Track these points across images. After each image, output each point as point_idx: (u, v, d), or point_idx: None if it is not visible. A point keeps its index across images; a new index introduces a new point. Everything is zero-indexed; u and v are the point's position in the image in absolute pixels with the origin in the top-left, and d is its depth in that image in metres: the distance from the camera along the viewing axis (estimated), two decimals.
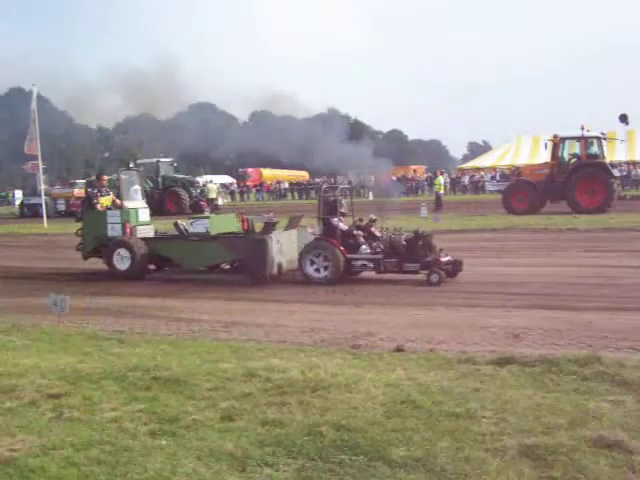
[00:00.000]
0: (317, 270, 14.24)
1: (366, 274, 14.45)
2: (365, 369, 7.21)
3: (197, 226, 15.86)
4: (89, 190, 18.75)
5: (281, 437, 5.31)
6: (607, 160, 32.37)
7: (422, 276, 13.68)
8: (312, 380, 6.71)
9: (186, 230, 16.13)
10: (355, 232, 14.63)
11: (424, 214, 29.90)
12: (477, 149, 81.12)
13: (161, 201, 41.28)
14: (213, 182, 52.20)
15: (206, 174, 67.47)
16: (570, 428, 5.28)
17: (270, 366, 7.22)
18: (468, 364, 7.32)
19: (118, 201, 16.99)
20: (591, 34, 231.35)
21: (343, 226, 14.76)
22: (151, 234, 16.76)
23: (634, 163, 52.48)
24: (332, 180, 49.00)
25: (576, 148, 31.67)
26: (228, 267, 15.80)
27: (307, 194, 62.90)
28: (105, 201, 16.92)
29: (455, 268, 13.88)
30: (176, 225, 16.62)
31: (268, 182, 72.20)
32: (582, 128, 30.99)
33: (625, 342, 8.36)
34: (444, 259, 13.83)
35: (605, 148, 32.33)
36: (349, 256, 14.21)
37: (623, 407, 5.77)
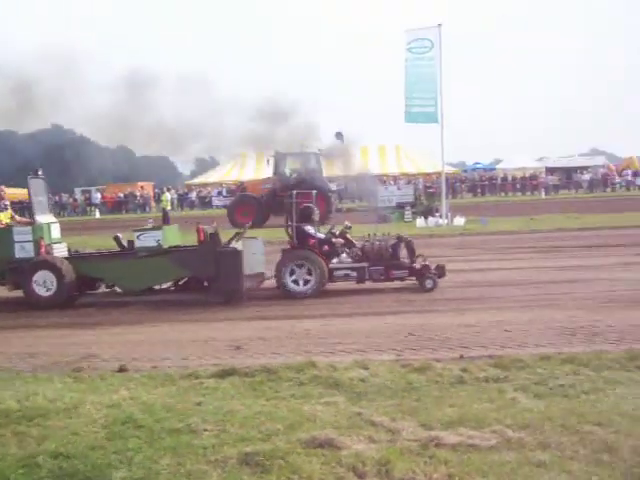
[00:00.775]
0: (295, 282, 13.10)
1: None
2: (86, 392, 6.97)
3: (146, 239, 13.49)
4: None
5: None
6: (325, 175, 34.27)
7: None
8: (29, 408, 6.36)
9: (127, 244, 13.94)
10: (334, 240, 13.81)
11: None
12: (204, 165, 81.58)
13: None
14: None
15: None
16: (287, 432, 5.53)
17: None
18: (191, 379, 7.40)
19: (18, 218, 14.51)
20: None
21: (320, 235, 13.79)
22: (65, 253, 14.16)
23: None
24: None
25: (296, 164, 33.24)
26: (169, 286, 13.75)
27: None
28: (3, 217, 14.14)
29: (441, 273, 13.31)
30: (116, 239, 14.37)
31: None
32: (301, 145, 32.56)
33: (338, 346, 8.93)
34: (428, 264, 13.35)
35: (323, 163, 34.24)
36: (331, 266, 13.33)
37: (335, 407, 6.18)
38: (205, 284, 13.42)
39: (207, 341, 9.68)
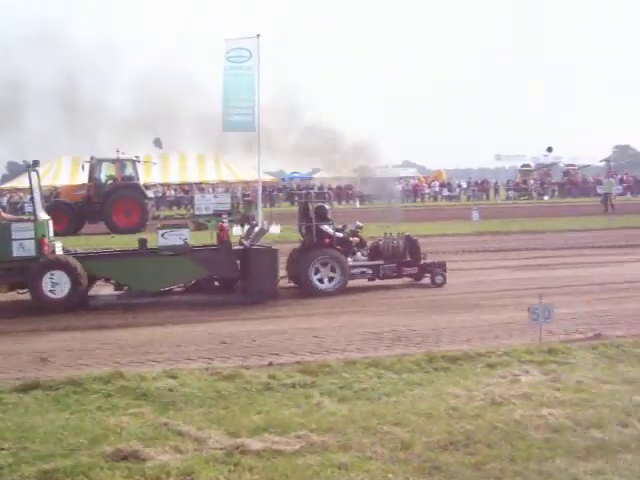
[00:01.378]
0: (320, 281, 13.25)
1: None
2: None
3: (171, 237, 12.71)
4: None
5: None
6: (142, 182, 33.57)
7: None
8: None
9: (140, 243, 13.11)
10: (351, 239, 14.12)
11: None
12: (17, 169, 77.31)
13: None
14: None
15: None
16: (90, 446, 5.40)
17: None
18: None
19: (4, 214, 12.95)
20: None
21: (338, 234, 13.90)
22: (61, 251, 12.96)
23: (168, 185, 55.21)
24: None
25: (112, 170, 32.31)
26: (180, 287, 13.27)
27: None
28: None
29: (444, 269, 14.06)
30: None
31: None
32: (118, 151, 31.71)
33: (148, 355, 8.79)
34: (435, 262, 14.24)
35: (140, 170, 33.50)
36: (350, 264, 13.56)
37: (141, 418, 6.10)
38: (216, 284, 13.41)
39: (11, 354, 9.18)
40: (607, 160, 67.88)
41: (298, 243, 14.41)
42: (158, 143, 41.26)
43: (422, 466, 4.97)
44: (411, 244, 14.26)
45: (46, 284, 12.04)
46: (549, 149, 64.42)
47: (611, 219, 27.75)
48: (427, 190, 56.95)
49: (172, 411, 6.36)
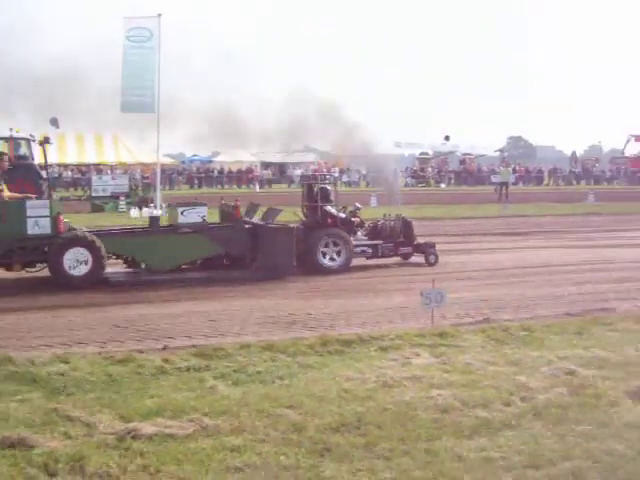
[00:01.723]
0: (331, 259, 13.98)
1: None
2: None
3: (189, 215, 13.05)
4: None
5: None
6: (37, 162, 32.52)
7: None
8: None
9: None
10: (353, 219, 14.79)
11: None
12: None
13: None
14: None
15: None
16: None
17: None
18: None
19: (8, 193, 12.63)
20: None
21: (341, 214, 14.58)
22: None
23: (65, 165, 53.61)
24: None
25: (5, 149, 31.11)
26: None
27: None
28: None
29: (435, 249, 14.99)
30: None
31: None
32: (11, 129, 30.53)
33: (40, 340, 8.55)
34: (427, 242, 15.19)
35: (35, 150, 32.40)
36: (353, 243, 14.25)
37: (30, 404, 5.92)
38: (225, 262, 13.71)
39: None
40: (501, 150, 70.09)
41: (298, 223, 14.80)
42: (54, 122, 40.00)
43: (313, 448, 5.04)
44: (405, 225, 15.10)
45: (68, 261, 11.93)
46: (446, 138, 65.81)
47: (505, 207, 28.73)
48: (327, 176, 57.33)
49: (62, 396, 6.20)
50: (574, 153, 68.67)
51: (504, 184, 37.31)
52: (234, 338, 8.48)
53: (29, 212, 12.07)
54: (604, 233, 21.98)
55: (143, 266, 12.95)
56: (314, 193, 14.56)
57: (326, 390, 6.26)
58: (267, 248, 13.05)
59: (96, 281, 12.13)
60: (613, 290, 11.68)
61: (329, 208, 14.44)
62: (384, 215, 15.49)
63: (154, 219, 13.90)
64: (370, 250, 14.61)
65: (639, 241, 19.34)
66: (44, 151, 13.51)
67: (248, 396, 6.14)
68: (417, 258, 15.10)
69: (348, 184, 54.67)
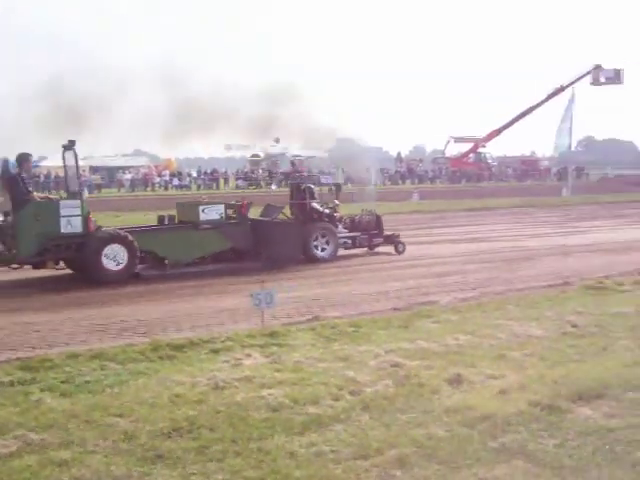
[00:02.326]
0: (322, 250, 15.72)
1: None
2: None
3: (209, 212, 14.58)
4: (14, 174, 13.13)
5: None
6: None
7: None
8: None
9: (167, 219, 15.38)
10: (336, 214, 16.60)
11: None
12: None
13: None
14: None
15: None
16: None
17: None
18: None
19: (36, 194, 13.65)
20: None
21: (326, 210, 16.38)
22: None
23: None
24: None
25: None
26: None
27: None
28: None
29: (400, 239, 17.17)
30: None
31: None
32: None
33: None
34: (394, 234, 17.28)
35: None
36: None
37: None
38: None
39: None
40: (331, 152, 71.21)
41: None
42: None
43: (145, 455, 4.98)
44: (377, 219, 17.05)
45: (105, 257, 12.86)
46: (277, 140, 66.35)
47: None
48: (157, 179, 56.23)
49: None
50: (399, 154, 71.33)
51: (338, 185, 38.12)
52: (62, 348, 8.18)
53: (62, 212, 12.80)
54: (427, 230, 23.11)
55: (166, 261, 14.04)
56: (301, 192, 16.31)
57: (157, 396, 6.19)
58: (277, 242, 14.85)
59: (128, 276, 13.10)
60: (435, 284, 12.34)
61: (315, 205, 16.20)
62: (362, 210, 17.30)
63: (166, 217, 15.40)
64: (350, 241, 16.46)
65: (456, 237, 20.53)
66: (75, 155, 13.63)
67: (76, 407, 5.96)
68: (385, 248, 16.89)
69: (179, 187, 54.01)
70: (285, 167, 61.90)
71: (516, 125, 59.60)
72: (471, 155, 66.83)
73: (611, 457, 4.90)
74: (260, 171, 60.02)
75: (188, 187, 54.35)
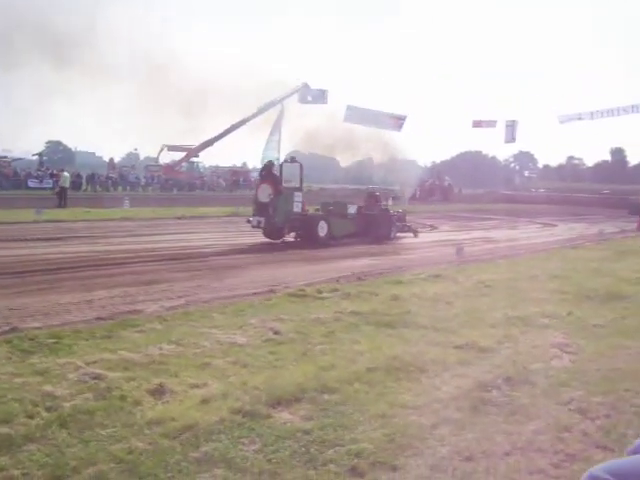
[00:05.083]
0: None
1: None
2: None
3: (352, 207, 24.28)
4: (275, 173, 22.59)
5: None
6: None
7: None
8: None
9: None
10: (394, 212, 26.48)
11: None
12: None
13: None
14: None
15: None
16: None
17: None
18: None
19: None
20: None
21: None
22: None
23: None
24: None
25: None
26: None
27: None
28: None
29: None
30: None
31: None
32: None
33: None
34: None
35: None
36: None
37: None
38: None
39: None
40: (40, 154, 68.11)
41: None
42: None
43: None
44: (404, 215, 27.02)
45: (319, 228, 22.04)
46: None
47: (39, 212, 27.75)
48: None
49: None
50: (112, 159, 69.87)
51: (64, 189, 37.69)
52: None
53: (295, 198, 21.89)
54: (136, 237, 22.66)
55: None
56: (376, 197, 26.13)
57: None
58: (378, 225, 24.18)
59: (329, 241, 22.05)
60: (142, 292, 12.16)
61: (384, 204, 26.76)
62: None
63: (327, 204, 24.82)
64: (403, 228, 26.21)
65: (168, 244, 20.37)
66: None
67: None
68: None
69: None
70: None
71: (229, 137, 60.58)
72: (184, 164, 67.23)
73: (306, 458, 5.15)
74: None
75: None
